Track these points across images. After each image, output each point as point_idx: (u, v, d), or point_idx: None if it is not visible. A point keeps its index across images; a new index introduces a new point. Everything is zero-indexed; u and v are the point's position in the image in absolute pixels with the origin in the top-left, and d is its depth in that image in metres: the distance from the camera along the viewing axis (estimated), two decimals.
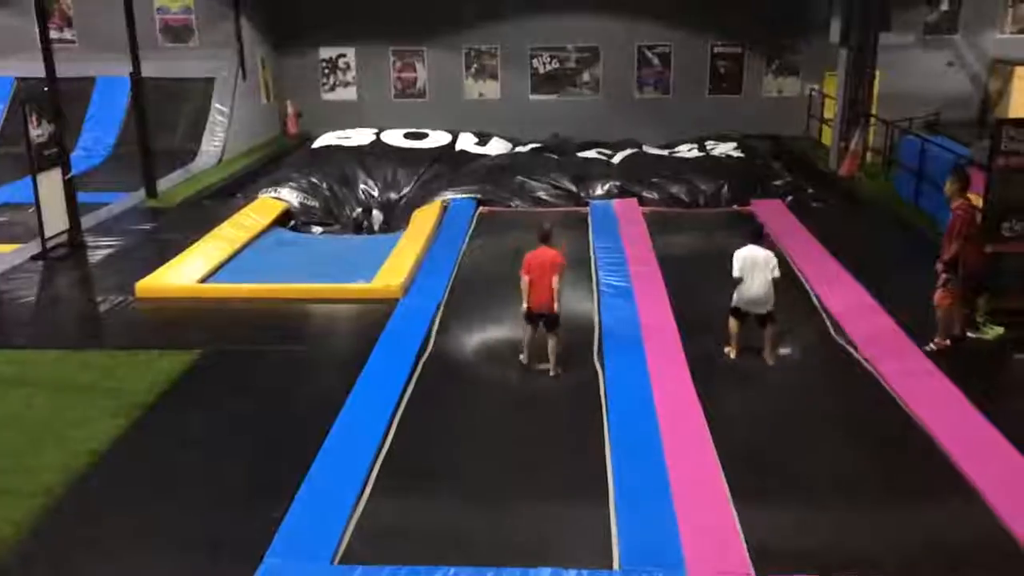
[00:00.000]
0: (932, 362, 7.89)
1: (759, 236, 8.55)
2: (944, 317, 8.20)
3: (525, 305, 8.23)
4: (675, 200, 14.37)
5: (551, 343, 8.23)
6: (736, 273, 8.30)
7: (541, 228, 8.62)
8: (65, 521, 5.79)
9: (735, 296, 8.38)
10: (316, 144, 17.16)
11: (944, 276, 8.13)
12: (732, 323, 8.45)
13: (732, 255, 8.37)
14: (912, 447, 6.67)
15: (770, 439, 6.83)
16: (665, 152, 17.39)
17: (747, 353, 8.42)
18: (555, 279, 8.09)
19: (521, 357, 8.34)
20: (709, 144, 17.63)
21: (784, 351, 8.55)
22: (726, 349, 8.50)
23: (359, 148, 16.66)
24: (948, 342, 8.18)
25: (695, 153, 17.05)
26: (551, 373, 8.17)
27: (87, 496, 6.08)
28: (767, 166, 16.40)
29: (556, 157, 16.69)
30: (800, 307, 9.64)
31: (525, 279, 8.20)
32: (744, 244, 8.42)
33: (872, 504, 5.92)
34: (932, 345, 8.18)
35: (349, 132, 17.79)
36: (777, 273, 8.26)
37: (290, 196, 14.52)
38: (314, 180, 15.08)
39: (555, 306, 8.10)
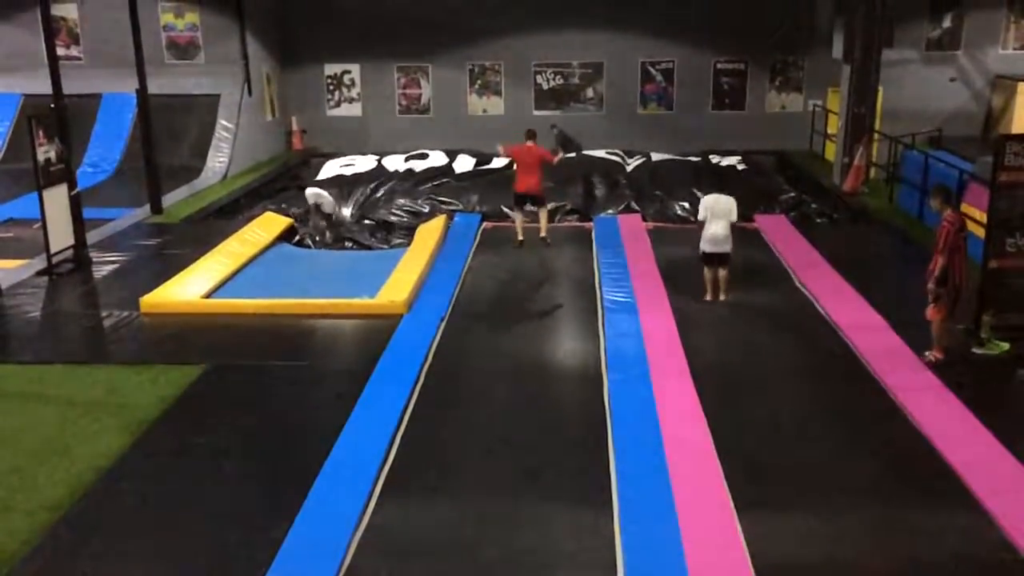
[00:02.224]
0: (937, 377, 7.88)
1: (724, 183, 10.46)
2: (938, 331, 8.25)
3: (514, 189, 10.46)
4: (678, 217, 14.41)
5: (542, 215, 10.31)
6: (700, 216, 9.72)
7: (528, 129, 11.22)
8: (69, 537, 5.78)
9: (701, 240, 9.70)
10: (320, 176, 17.21)
11: (935, 292, 8.12)
12: (705, 271, 9.75)
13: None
14: (917, 460, 6.65)
15: (774, 451, 6.82)
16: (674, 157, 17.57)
17: (752, 366, 8.42)
18: (541, 167, 10.18)
19: (518, 239, 10.41)
20: (713, 158, 17.72)
21: (730, 298, 9.92)
22: (707, 298, 9.82)
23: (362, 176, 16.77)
24: (942, 355, 8.23)
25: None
26: (542, 235, 10.22)
27: (92, 512, 6.07)
28: (771, 181, 16.44)
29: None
30: (806, 320, 9.65)
31: (501, 150, 10.85)
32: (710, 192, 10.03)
33: (876, 516, 5.90)
34: (928, 355, 8.25)
35: (352, 159, 17.85)
36: (734, 217, 9.64)
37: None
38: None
39: (540, 189, 10.21)
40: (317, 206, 14.62)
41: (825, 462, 6.68)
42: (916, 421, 7.19)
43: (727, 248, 9.71)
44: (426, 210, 14.88)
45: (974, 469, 6.37)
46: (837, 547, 5.61)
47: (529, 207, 10.37)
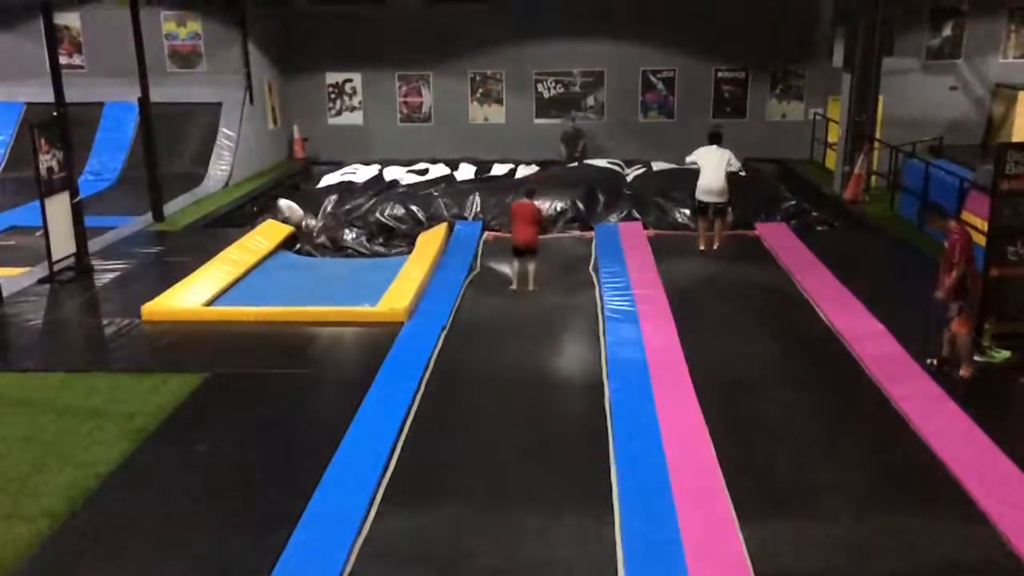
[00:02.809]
0: (938, 385, 7.87)
1: (718, 138, 10.31)
2: (967, 346, 8.12)
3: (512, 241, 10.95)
4: (679, 223, 14.42)
5: (531, 268, 10.88)
6: (689, 159, 9.81)
7: (527, 187, 11.78)
8: (69, 545, 5.78)
9: (697, 189, 9.79)
10: (320, 184, 17.26)
11: (958, 304, 8.04)
12: (700, 222, 9.90)
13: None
14: (918, 468, 6.65)
15: (775, 458, 6.82)
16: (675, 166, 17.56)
17: (753, 374, 8.42)
18: (536, 224, 10.77)
19: (512, 286, 10.66)
20: None
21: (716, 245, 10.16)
22: (700, 247, 9.97)
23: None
24: (972, 369, 8.11)
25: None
26: (530, 288, 10.71)
27: (92, 520, 6.07)
28: (772, 188, 16.46)
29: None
30: (808, 328, 9.65)
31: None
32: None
33: (877, 523, 5.90)
34: (963, 372, 8.10)
35: (353, 168, 17.88)
36: (735, 165, 9.66)
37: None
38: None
39: (535, 242, 10.77)
40: (286, 219, 14.78)
41: (826, 469, 6.68)
42: (917, 428, 7.19)
43: (724, 199, 9.63)
44: (426, 217, 14.89)
45: (975, 476, 6.37)
46: (838, 554, 5.61)
47: (524, 259, 11.14)
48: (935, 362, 8.31)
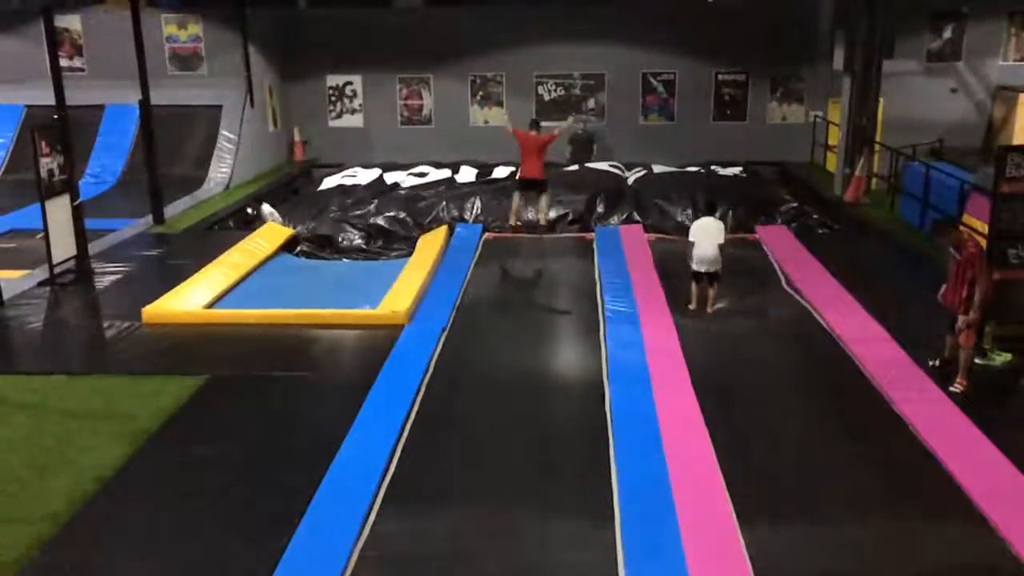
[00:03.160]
0: (940, 389, 7.87)
1: (713, 209, 11.10)
2: (967, 358, 8.04)
3: (518, 175, 11.16)
4: (680, 225, 14.41)
5: (542, 200, 11.11)
6: (691, 238, 10.36)
7: (532, 120, 12.22)
8: (70, 548, 5.77)
9: (692, 260, 10.28)
10: (321, 187, 17.26)
11: (974, 316, 7.91)
12: (693, 286, 10.33)
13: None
14: (919, 471, 6.65)
15: (776, 462, 6.82)
16: (675, 169, 17.61)
17: (753, 377, 8.42)
18: (544, 154, 11.07)
19: (511, 220, 10.95)
20: (715, 168, 17.77)
21: (719, 305, 10.43)
22: (689, 306, 10.33)
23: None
24: (967, 382, 8.01)
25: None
26: (542, 221, 10.97)
27: (92, 523, 6.06)
28: (772, 191, 16.46)
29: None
30: (808, 331, 9.65)
31: (508, 129, 12.01)
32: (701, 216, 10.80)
33: (878, 527, 5.90)
34: (957, 386, 7.96)
35: (353, 171, 17.88)
36: (722, 239, 10.25)
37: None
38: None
39: (542, 173, 11.06)
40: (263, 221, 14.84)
41: (827, 473, 6.67)
42: (918, 432, 7.18)
43: (717, 267, 10.24)
44: (426, 219, 14.90)
45: (976, 480, 6.36)
46: (839, 558, 5.61)
47: (530, 193, 11.48)
48: (937, 363, 8.33)
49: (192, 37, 19.89)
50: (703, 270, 10.25)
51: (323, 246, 14.39)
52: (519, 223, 10.97)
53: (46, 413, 7.72)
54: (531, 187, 10.95)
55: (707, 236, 10.26)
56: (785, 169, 19.46)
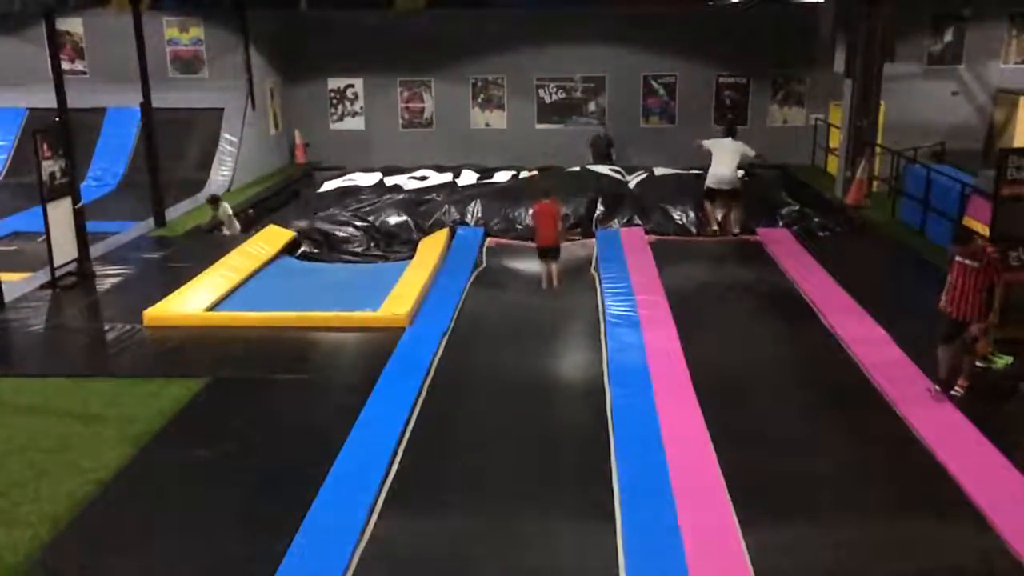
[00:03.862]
0: (942, 391, 7.86)
1: (733, 132, 11.09)
2: (972, 361, 7.96)
3: (535, 242, 11.65)
4: (681, 228, 14.42)
5: (554, 268, 11.54)
6: (705, 144, 10.47)
7: (544, 189, 12.17)
8: (70, 550, 5.78)
9: (707, 178, 10.39)
10: (321, 190, 17.27)
11: (992, 321, 7.76)
12: (707, 205, 10.51)
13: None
14: (920, 473, 6.65)
15: (778, 465, 6.80)
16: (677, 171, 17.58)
17: (755, 379, 8.41)
18: (558, 223, 11.48)
19: (543, 284, 11.53)
20: None
21: (737, 231, 10.74)
22: (710, 229, 10.56)
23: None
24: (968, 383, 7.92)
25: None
26: (555, 285, 11.38)
27: (92, 525, 6.07)
28: (774, 194, 16.45)
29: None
30: (809, 333, 9.65)
31: (532, 222, 11.87)
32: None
33: (879, 529, 5.89)
34: (958, 389, 7.84)
35: (353, 176, 17.89)
36: (751, 152, 10.29)
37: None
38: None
39: (557, 241, 11.40)
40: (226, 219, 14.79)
41: (828, 476, 6.67)
42: (919, 434, 7.18)
43: (736, 185, 10.19)
44: (428, 222, 14.90)
45: (977, 480, 6.36)
46: (841, 561, 5.60)
47: (548, 259, 11.75)
48: (938, 388, 7.84)
49: (193, 40, 19.92)
50: (720, 187, 10.18)
51: (323, 245, 14.40)
52: (548, 285, 11.70)
53: (47, 415, 7.73)
54: (549, 254, 11.62)
55: (723, 151, 10.21)
56: (786, 172, 19.45)
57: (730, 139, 10.43)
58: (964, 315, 7.78)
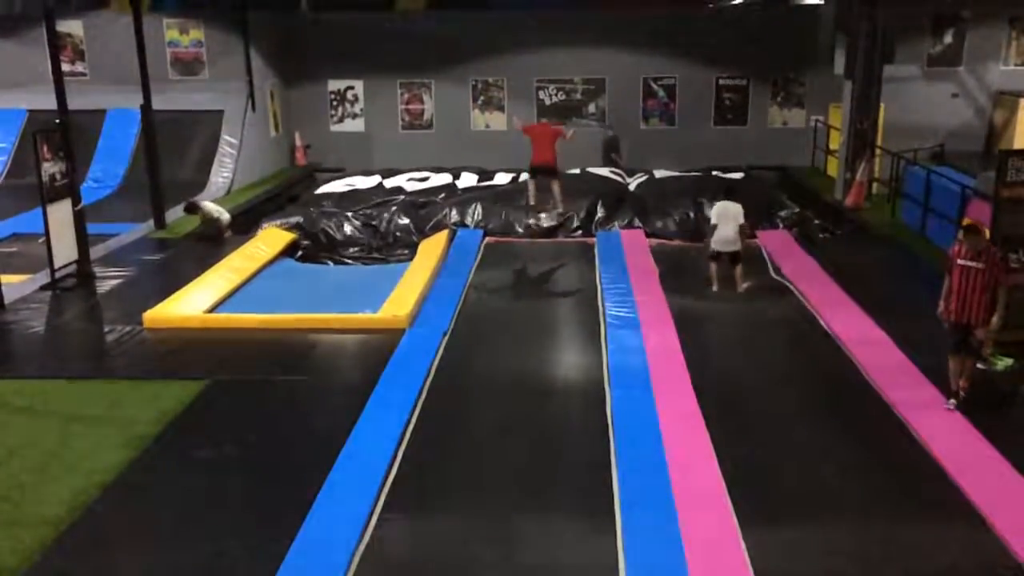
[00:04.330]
0: (940, 392, 7.85)
1: (732, 192, 11.66)
2: (974, 364, 7.80)
3: (530, 162, 11.86)
4: (681, 231, 14.42)
5: (555, 187, 11.61)
6: (712, 220, 11.14)
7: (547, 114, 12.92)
8: (71, 552, 5.77)
9: (711, 241, 11.10)
10: (319, 191, 17.28)
11: (998, 323, 7.58)
12: (712, 265, 11.04)
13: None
14: (920, 474, 6.65)
15: (777, 465, 6.82)
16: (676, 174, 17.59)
17: (754, 381, 8.41)
18: (556, 141, 11.61)
19: (530, 201, 11.88)
20: (716, 174, 17.77)
21: (747, 284, 11.28)
22: (711, 288, 11.06)
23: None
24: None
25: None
26: (558, 209, 11.58)
27: (93, 527, 6.06)
28: (774, 196, 16.46)
29: None
30: (809, 335, 9.66)
31: (517, 124, 12.66)
32: (720, 199, 11.47)
33: (878, 529, 5.90)
34: (962, 394, 7.63)
35: (352, 180, 17.89)
36: (742, 220, 11.06)
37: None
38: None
39: (554, 161, 11.59)
40: (212, 219, 14.41)
41: (827, 476, 6.68)
42: (918, 435, 7.19)
43: (736, 247, 11.05)
44: (428, 224, 14.90)
45: (976, 483, 6.36)
46: (839, 561, 5.61)
47: (542, 178, 11.86)
48: (954, 403, 7.59)
49: (194, 42, 19.93)
50: (724, 250, 11.04)
51: (323, 246, 14.39)
52: (535, 207, 11.75)
53: (47, 417, 7.73)
54: (544, 173, 11.43)
55: (726, 218, 10.99)
56: (786, 174, 19.46)
57: (730, 202, 11.28)
58: (968, 319, 7.61)
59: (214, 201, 15.50)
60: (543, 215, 11.85)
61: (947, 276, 7.80)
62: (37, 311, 10.59)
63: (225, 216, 14.51)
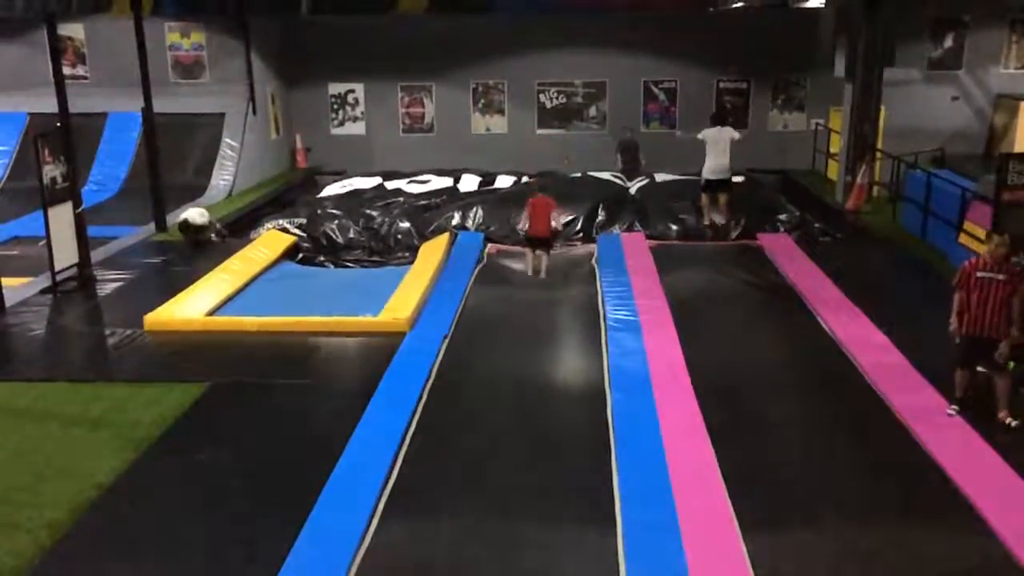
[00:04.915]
0: (942, 396, 7.84)
1: (723, 120, 11.79)
2: (1008, 384, 7.43)
3: (527, 233, 12.35)
4: (683, 233, 14.40)
5: (544, 259, 12.09)
6: (699, 136, 11.38)
7: (541, 183, 13.40)
8: (71, 556, 5.77)
9: (703, 169, 11.42)
10: (322, 194, 17.30)
11: (1018, 336, 7.33)
12: (704, 197, 11.36)
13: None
14: (922, 479, 6.64)
15: (779, 470, 6.81)
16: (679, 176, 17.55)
17: (756, 384, 8.41)
18: (552, 214, 12.03)
19: (529, 272, 12.15)
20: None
21: (721, 220, 11.62)
22: (705, 222, 11.49)
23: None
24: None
25: None
26: (542, 276, 11.94)
27: (93, 531, 6.06)
28: (775, 199, 16.46)
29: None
30: (811, 338, 9.65)
31: (525, 215, 12.36)
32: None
33: (881, 535, 5.89)
34: (1012, 421, 7.29)
35: (353, 181, 17.91)
36: (737, 135, 11.18)
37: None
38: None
39: (549, 233, 12.05)
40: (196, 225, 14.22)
41: (830, 481, 6.67)
42: (920, 438, 7.17)
43: (727, 175, 11.13)
44: (429, 228, 14.90)
45: (978, 486, 6.35)
46: (841, 565, 5.60)
47: (540, 250, 12.27)
48: (957, 409, 7.51)
49: (195, 45, 19.96)
50: (714, 178, 11.07)
51: (324, 248, 14.39)
52: (534, 273, 12.33)
53: (48, 420, 7.73)
54: (540, 245, 12.29)
55: (720, 143, 10.98)
56: (787, 177, 19.46)
57: (719, 127, 11.20)
58: (988, 332, 7.37)
59: (207, 205, 15.51)
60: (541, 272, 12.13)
61: (958, 290, 7.53)
62: (38, 314, 10.60)
63: (206, 217, 14.37)
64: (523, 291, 11.91)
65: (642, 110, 21.09)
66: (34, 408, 7.98)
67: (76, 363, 9.30)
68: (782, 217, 15.07)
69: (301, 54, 21.03)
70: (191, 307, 10.59)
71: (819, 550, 5.76)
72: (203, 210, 14.62)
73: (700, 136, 11.18)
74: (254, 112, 19.34)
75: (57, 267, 11.34)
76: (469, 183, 17.60)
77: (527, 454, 7.14)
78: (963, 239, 11.86)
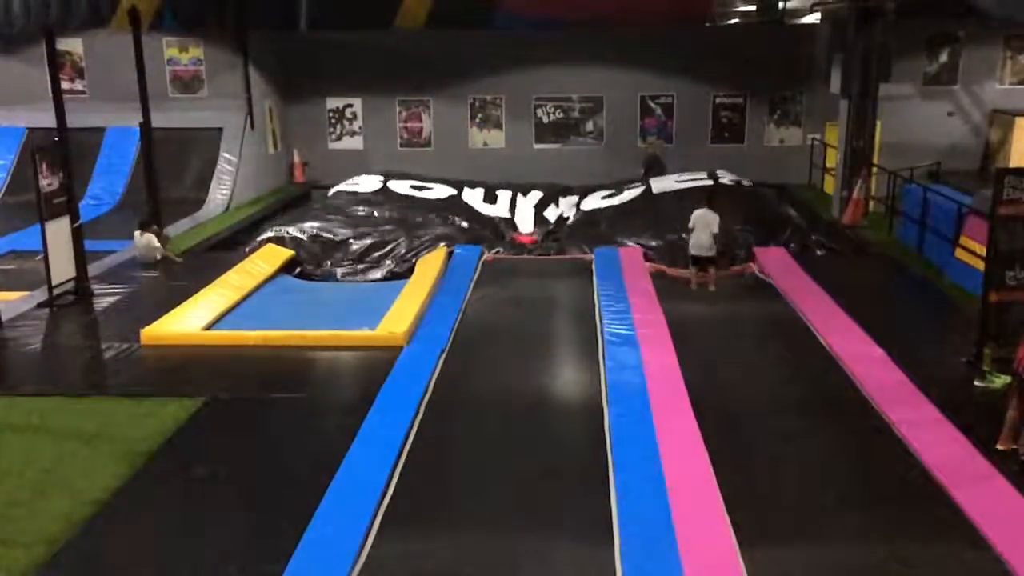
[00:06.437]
0: (938, 410, 7.84)
1: (711, 201, 12.36)
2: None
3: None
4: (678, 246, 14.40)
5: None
6: (690, 225, 12.18)
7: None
8: (66, 572, 5.74)
9: (689, 245, 12.21)
10: (330, 194, 17.33)
11: None
12: (692, 268, 12.29)
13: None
14: (919, 493, 6.62)
15: (775, 484, 6.80)
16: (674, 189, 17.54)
17: (752, 399, 8.40)
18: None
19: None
20: (719, 173, 17.79)
21: (713, 288, 12.12)
22: (692, 285, 12.29)
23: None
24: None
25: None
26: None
27: (89, 545, 6.03)
28: (778, 207, 16.46)
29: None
30: (807, 353, 9.65)
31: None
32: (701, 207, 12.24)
33: (878, 549, 5.87)
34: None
35: (356, 180, 17.91)
36: (716, 229, 11.97)
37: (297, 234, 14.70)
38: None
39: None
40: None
41: (827, 495, 6.65)
42: (918, 454, 7.17)
43: (711, 253, 11.97)
44: (427, 240, 14.89)
45: (976, 501, 6.34)
46: None
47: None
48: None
49: (193, 60, 20.01)
50: (699, 255, 12.01)
51: (320, 260, 14.40)
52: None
53: (44, 435, 7.70)
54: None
55: (702, 225, 11.92)
56: (783, 191, 19.48)
57: (707, 210, 12.13)
58: None
59: (205, 220, 15.45)
60: None
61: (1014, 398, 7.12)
62: (34, 328, 10.58)
63: (155, 243, 13.79)
64: (521, 304, 11.90)
65: (639, 125, 21.14)
66: (30, 423, 7.96)
67: (73, 377, 9.28)
68: (789, 227, 15.01)
69: (299, 69, 21.08)
70: (188, 321, 10.58)
71: (817, 566, 5.74)
72: (149, 240, 13.79)
73: (691, 223, 12.21)
74: (252, 126, 19.38)
75: (54, 281, 11.32)
76: (473, 197, 17.50)
77: (523, 469, 7.12)
78: (959, 254, 11.89)
